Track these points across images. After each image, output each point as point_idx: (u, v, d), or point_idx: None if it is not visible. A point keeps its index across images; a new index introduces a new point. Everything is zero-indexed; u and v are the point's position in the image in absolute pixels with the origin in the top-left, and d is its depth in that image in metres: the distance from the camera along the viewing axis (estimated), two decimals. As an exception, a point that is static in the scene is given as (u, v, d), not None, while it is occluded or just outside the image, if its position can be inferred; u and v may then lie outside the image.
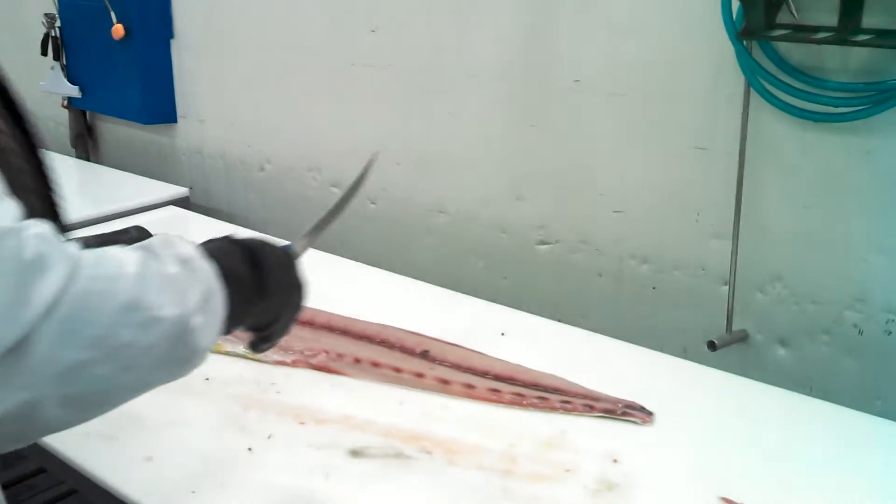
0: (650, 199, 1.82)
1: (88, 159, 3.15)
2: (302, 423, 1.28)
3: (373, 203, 2.35)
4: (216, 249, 0.84)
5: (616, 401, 1.33)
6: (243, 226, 2.57)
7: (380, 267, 1.94)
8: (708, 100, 1.68)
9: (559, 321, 1.82)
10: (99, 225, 2.04)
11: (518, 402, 1.34)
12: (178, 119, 2.85)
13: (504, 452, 1.20)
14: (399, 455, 1.20)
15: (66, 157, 3.02)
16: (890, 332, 1.55)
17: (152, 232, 1.90)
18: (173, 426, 1.26)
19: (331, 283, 1.79)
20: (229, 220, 2.66)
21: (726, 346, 1.66)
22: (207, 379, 1.37)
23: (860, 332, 1.58)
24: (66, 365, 0.65)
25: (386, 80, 2.23)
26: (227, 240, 0.90)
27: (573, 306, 1.97)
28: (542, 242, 2.02)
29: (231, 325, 0.83)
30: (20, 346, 0.63)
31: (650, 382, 1.40)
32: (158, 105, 2.83)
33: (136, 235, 1.87)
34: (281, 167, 2.59)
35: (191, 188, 2.72)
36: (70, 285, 0.65)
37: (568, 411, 1.31)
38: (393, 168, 2.27)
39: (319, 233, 1.06)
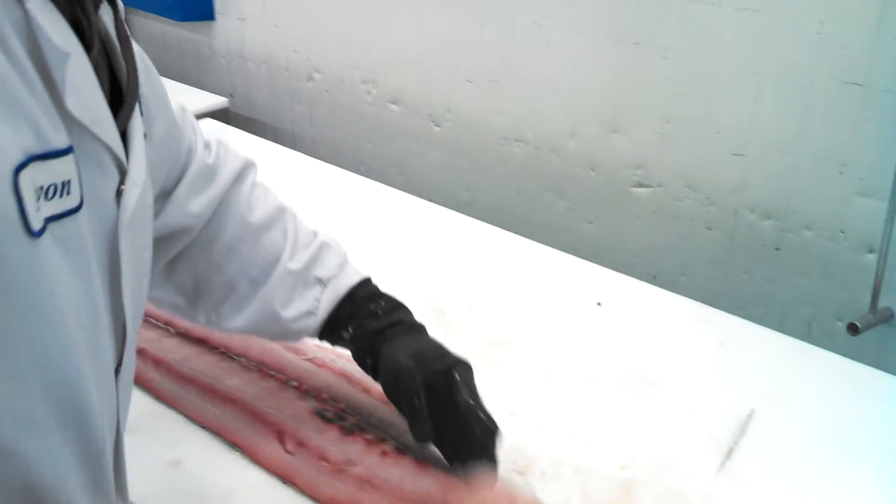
0: (781, 141, 1.50)
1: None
2: None
3: (437, 125, 2.05)
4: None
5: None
6: (289, 142, 2.31)
7: (441, 199, 1.66)
8: (870, 19, 1.34)
9: (654, 278, 1.56)
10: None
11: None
12: (216, 16, 2.54)
13: None
14: None
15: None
16: None
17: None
18: None
19: (385, 217, 1.52)
20: (274, 136, 2.39)
21: (869, 329, 1.38)
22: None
23: None
24: None
25: (458, -20, 1.90)
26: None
27: (672, 263, 1.68)
28: (640, 185, 1.72)
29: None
30: None
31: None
32: (193, -1, 2.53)
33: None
34: (331, 78, 2.28)
35: (231, 96, 2.44)
36: None
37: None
38: (462, 85, 1.96)
39: None
